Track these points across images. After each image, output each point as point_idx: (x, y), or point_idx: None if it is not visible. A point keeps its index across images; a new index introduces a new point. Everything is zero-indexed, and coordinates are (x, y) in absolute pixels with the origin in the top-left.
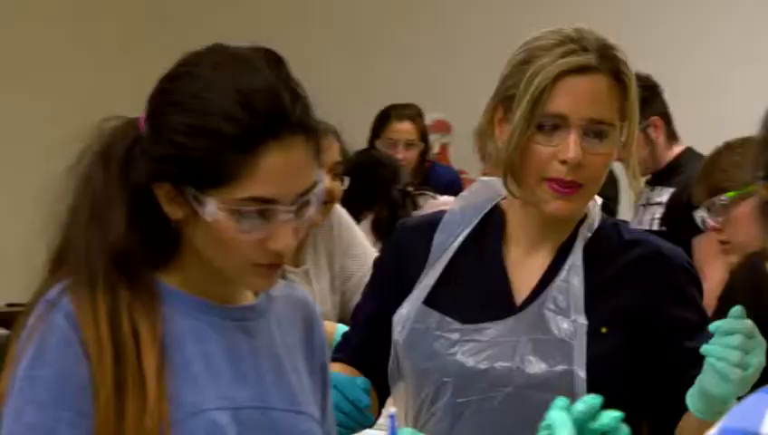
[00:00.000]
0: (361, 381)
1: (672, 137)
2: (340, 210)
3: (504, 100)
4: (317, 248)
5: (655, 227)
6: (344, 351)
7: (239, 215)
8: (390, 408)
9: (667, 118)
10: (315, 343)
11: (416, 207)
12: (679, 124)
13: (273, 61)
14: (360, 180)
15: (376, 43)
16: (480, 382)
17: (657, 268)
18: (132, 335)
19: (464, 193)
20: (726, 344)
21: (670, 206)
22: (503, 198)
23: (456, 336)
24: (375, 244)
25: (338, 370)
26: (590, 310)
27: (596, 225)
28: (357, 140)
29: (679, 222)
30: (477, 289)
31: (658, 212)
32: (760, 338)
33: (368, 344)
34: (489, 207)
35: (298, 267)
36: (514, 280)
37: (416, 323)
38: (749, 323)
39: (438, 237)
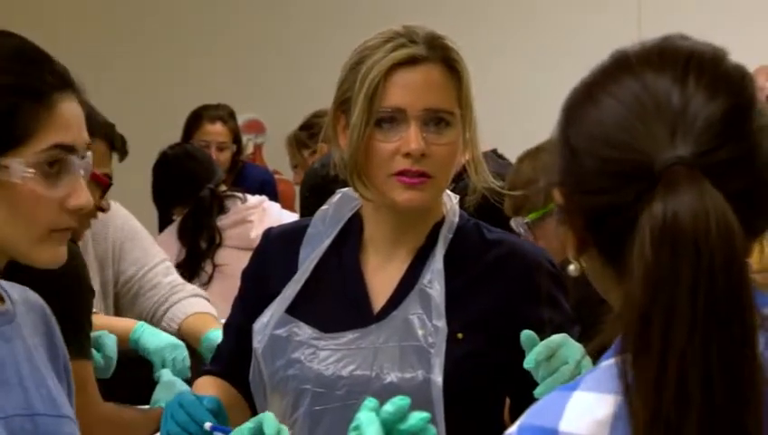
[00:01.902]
0: (208, 400)
1: None
2: (118, 211)
3: (341, 105)
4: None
5: None
6: (215, 363)
7: (46, 169)
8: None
9: None
10: (57, 344)
11: (222, 210)
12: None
13: (20, 37)
14: (170, 174)
15: (188, 42)
16: (338, 390)
17: (518, 268)
18: None
19: (324, 206)
20: (549, 373)
21: None
22: (361, 206)
23: (316, 344)
24: (180, 250)
25: (207, 383)
26: (449, 315)
27: (456, 224)
28: (169, 140)
29: None
30: (337, 298)
31: None
32: (569, 341)
33: (237, 356)
34: (348, 215)
35: None
36: (373, 287)
37: (276, 331)
38: (549, 343)
39: (304, 252)
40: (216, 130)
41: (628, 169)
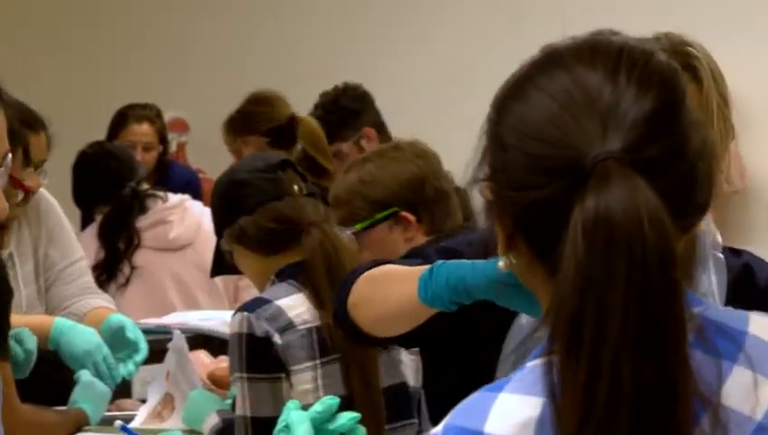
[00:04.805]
0: None
1: None
2: (49, 198)
3: None
4: (21, 232)
5: None
6: None
7: None
8: (117, 421)
9: (380, 126)
10: None
11: (143, 209)
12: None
13: None
14: (91, 173)
15: (111, 41)
16: None
17: None
18: None
19: None
20: None
21: None
22: None
23: None
24: (99, 250)
25: None
26: None
27: None
28: (95, 139)
29: None
30: None
31: None
32: None
33: None
34: None
35: (2, 249)
36: None
37: None
38: None
39: None
40: (142, 131)
41: (557, 165)
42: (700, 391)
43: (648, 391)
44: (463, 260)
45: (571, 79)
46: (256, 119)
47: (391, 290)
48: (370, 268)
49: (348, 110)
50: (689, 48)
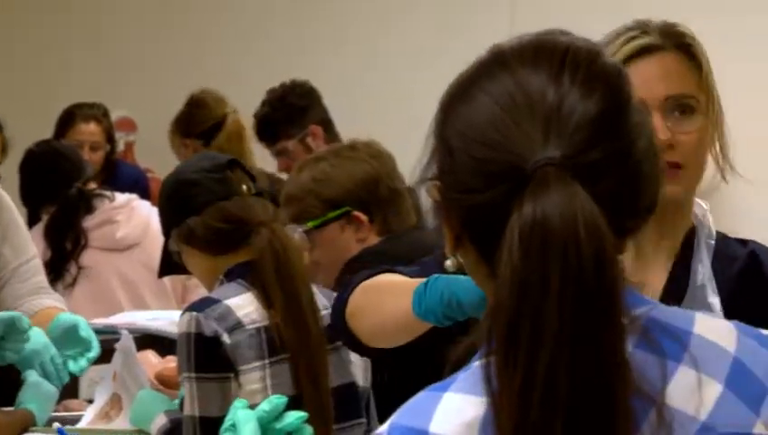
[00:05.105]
0: None
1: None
2: (3, 195)
3: None
4: None
5: None
6: None
7: None
8: (55, 423)
9: (326, 124)
10: None
11: (90, 209)
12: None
13: None
14: (38, 172)
15: (57, 39)
16: None
17: None
18: None
19: None
20: None
21: None
22: None
23: None
24: (46, 250)
25: None
26: None
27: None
28: (42, 138)
29: None
30: None
31: None
32: None
33: None
34: None
35: None
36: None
37: None
38: None
39: None
40: (89, 130)
41: (499, 170)
42: (643, 391)
43: (585, 395)
44: (458, 275)
45: (514, 81)
46: (192, 121)
47: (386, 302)
48: (369, 277)
49: (294, 107)
50: (680, 28)
